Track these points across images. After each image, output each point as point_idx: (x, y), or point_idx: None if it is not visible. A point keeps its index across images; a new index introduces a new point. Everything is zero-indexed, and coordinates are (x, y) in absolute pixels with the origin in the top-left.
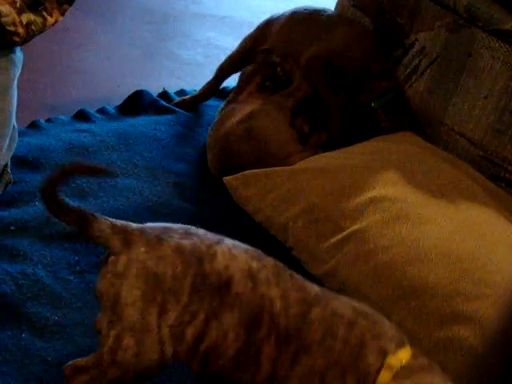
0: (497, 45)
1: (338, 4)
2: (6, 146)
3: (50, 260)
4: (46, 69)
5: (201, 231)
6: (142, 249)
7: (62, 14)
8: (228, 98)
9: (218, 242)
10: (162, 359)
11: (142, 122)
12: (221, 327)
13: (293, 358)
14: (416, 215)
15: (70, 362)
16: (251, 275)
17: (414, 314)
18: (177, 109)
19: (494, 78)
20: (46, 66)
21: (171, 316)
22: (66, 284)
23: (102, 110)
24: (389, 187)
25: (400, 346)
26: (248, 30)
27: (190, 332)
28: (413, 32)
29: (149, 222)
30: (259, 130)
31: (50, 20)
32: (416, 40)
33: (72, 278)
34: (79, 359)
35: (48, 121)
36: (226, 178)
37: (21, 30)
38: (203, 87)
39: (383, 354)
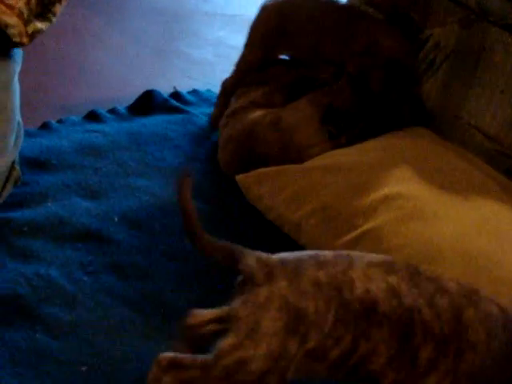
0: (509, 39)
1: (349, 1)
2: (12, 143)
3: (63, 260)
4: (57, 69)
5: (328, 254)
6: (283, 283)
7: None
8: (239, 99)
9: (351, 266)
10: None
11: (153, 122)
12: (370, 343)
13: (455, 356)
14: (430, 213)
15: (167, 355)
16: (393, 292)
17: None
18: (188, 108)
19: (509, 72)
20: (56, 67)
21: (311, 343)
22: (79, 284)
23: (112, 111)
24: (402, 184)
25: None
26: None
27: (334, 353)
28: (427, 27)
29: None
30: (288, 120)
31: (55, 20)
32: (430, 35)
33: (85, 279)
34: (177, 354)
35: (59, 122)
36: (238, 177)
37: (25, 40)
38: (216, 111)
39: None
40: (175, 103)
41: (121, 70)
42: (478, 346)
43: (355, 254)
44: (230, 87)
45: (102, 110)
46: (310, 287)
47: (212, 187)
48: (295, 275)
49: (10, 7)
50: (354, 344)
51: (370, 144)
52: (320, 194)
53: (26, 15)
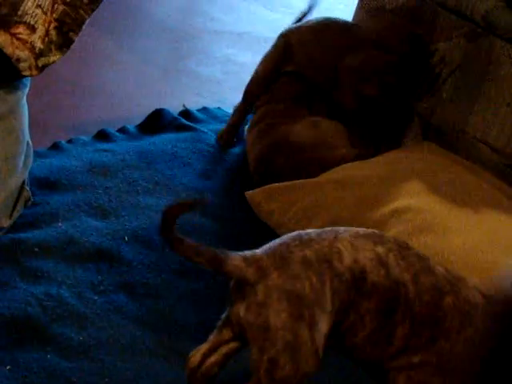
0: None
1: (354, 17)
2: (21, 164)
3: (73, 280)
4: (67, 90)
5: (311, 232)
6: (275, 274)
7: None
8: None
9: (336, 238)
10: (318, 363)
11: (163, 140)
12: (358, 313)
13: (428, 340)
14: (440, 226)
15: None
16: (381, 262)
17: None
18: (197, 126)
19: None
20: (66, 87)
21: (322, 326)
22: (90, 304)
23: (122, 130)
24: (412, 198)
25: None
26: (266, 46)
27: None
28: (432, 42)
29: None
30: (325, 124)
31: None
32: (435, 50)
33: (96, 298)
34: None
35: (69, 141)
36: (248, 193)
37: (35, 73)
38: (234, 115)
39: None
40: (184, 121)
41: (130, 89)
42: (451, 334)
43: (341, 227)
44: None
45: (112, 130)
46: (300, 268)
47: (222, 205)
48: (283, 261)
49: (23, 41)
50: (344, 314)
51: (380, 158)
52: (330, 209)
53: (37, 49)
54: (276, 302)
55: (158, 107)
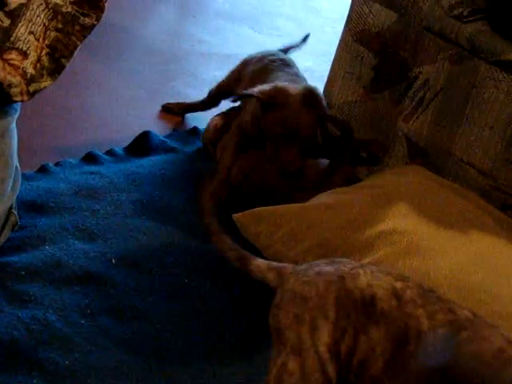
0: (500, 76)
1: (341, 40)
2: (9, 188)
3: (60, 304)
4: (54, 112)
5: (346, 259)
6: (292, 279)
7: None
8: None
9: (362, 266)
10: (327, 379)
11: (150, 163)
12: (369, 341)
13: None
14: (426, 247)
15: None
16: (395, 294)
17: None
18: (185, 148)
19: (499, 109)
20: (53, 110)
21: (324, 334)
22: (76, 328)
23: (110, 152)
24: (398, 220)
25: None
26: None
27: (343, 348)
28: (416, 65)
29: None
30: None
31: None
32: (419, 73)
33: (83, 322)
34: None
35: (57, 164)
36: (235, 215)
37: (26, 98)
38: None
39: None
40: (172, 144)
41: (118, 111)
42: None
43: (375, 266)
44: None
45: (100, 152)
46: (314, 275)
47: None
48: (305, 270)
49: (15, 67)
50: (355, 338)
51: (366, 182)
52: (317, 231)
53: (29, 75)
54: (286, 304)
55: (146, 129)
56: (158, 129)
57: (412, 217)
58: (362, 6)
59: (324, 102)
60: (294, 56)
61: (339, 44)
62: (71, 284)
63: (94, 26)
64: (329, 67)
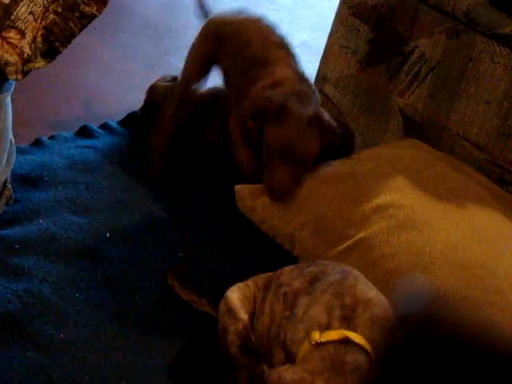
0: (497, 49)
1: (337, 14)
2: (4, 162)
3: (54, 277)
4: (48, 86)
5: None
6: None
7: None
8: None
9: (343, 278)
10: None
11: (145, 136)
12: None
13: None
14: (422, 222)
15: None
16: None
17: None
18: None
19: (496, 83)
20: (47, 84)
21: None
22: (71, 301)
23: (104, 126)
24: (395, 194)
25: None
26: None
27: None
28: (412, 39)
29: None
30: None
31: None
32: (416, 47)
33: (77, 295)
34: None
35: (51, 138)
36: (237, 186)
37: (20, 77)
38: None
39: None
40: None
41: (113, 85)
42: None
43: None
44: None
45: (94, 126)
46: None
47: (206, 198)
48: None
49: (13, 46)
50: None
51: (363, 154)
52: (313, 205)
53: (26, 54)
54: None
55: (140, 103)
56: None
57: (409, 191)
58: None
59: (332, 123)
60: (289, 30)
61: (335, 18)
62: (66, 257)
63: (94, 15)
64: (325, 41)
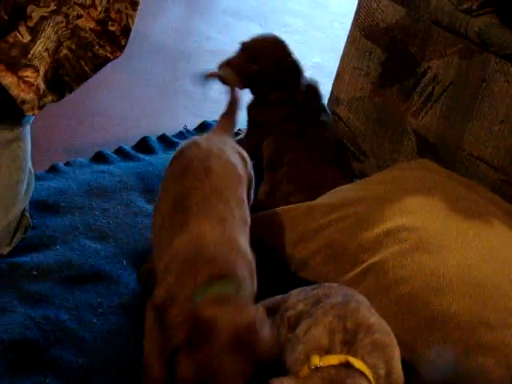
0: (510, 69)
1: (349, 36)
2: (23, 191)
3: (72, 303)
4: (63, 112)
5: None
6: None
7: None
8: None
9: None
10: None
11: (160, 161)
12: None
13: None
14: (435, 244)
15: None
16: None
17: (438, 344)
18: None
19: (510, 103)
20: (62, 110)
21: None
22: (89, 327)
23: (119, 151)
24: (406, 216)
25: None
26: None
27: None
28: (425, 60)
29: None
30: None
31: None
32: (428, 68)
33: (95, 321)
34: None
35: (67, 164)
36: None
37: (36, 112)
38: None
39: None
40: (179, 141)
41: (126, 110)
42: None
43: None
44: None
45: (109, 151)
46: None
47: None
48: None
49: (29, 84)
50: None
51: (373, 178)
52: (325, 232)
53: (41, 90)
54: None
55: (155, 128)
56: (167, 126)
57: (420, 213)
58: (371, 1)
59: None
60: (301, 52)
61: (347, 39)
62: (83, 283)
63: (107, 58)
64: (337, 63)
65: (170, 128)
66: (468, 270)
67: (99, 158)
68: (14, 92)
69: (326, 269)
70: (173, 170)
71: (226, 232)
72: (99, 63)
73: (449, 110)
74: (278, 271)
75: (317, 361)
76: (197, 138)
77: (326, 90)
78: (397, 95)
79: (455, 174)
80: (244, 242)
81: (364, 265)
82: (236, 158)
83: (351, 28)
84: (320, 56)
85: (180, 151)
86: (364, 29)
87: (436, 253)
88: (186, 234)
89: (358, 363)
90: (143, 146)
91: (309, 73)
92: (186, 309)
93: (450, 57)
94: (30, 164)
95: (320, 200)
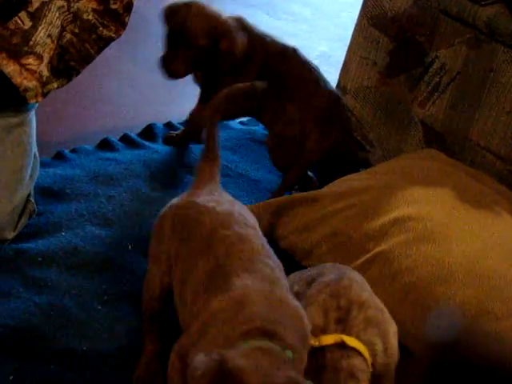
0: None
1: (357, 25)
2: (27, 176)
3: (77, 290)
4: (70, 99)
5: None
6: None
7: None
8: None
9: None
10: None
11: (166, 148)
12: None
13: None
14: (441, 234)
15: None
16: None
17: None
18: None
19: None
20: (68, 97)
21: None
22: (93, 314)
23: (125, 138)
24: (412, 206)
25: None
26: None
27: None
28: (432, 49)
29: None
30: None
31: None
32: (436, 57)
33: (100, 308)
34: None
35: (72, 151)
36: (249, 206)
37: (40, 99)
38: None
39: None
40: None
41: (133, 98)
42: None
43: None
44: None
45: (115, 139)
46: None
47: None
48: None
49: (31, 71)
50: None
51: (379, 167)
52: (330, 221)
53: (44, 77)
54: None
55: (161, 115)
56: (173, 114)
57: (426, 202)
58: None
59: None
60: (308, 41)
61: (355, 29)
62: (88, 270)
63: (111, 38)
64: (344, 52)
65: (176, 116)
66: (473, 259)
67: (105, 145)
68: (17, 80)
69: (331, 258)
70: (191, 242)
71: (274, 291)
72: (104, 44)
73: (456, 99)
74: (282, 260)
75: (313, 342)
76: (195, 200)
77: (333, 79)
78: (404, 85)
79: (462, 164)
80: (296, 304)
81: (369, 254)
82: (248, 213)
83: (359, 17)
84: (327, 45)
85: (185, 217)
86: (372, 18)
87: (441, 243)
88: (228, 292)
89: (352, 342)
90: (149, 133)
91: (316, 62)
92: (215, 359)
93: (457, 46)
94: (35, 149)
95: (326, 189)
